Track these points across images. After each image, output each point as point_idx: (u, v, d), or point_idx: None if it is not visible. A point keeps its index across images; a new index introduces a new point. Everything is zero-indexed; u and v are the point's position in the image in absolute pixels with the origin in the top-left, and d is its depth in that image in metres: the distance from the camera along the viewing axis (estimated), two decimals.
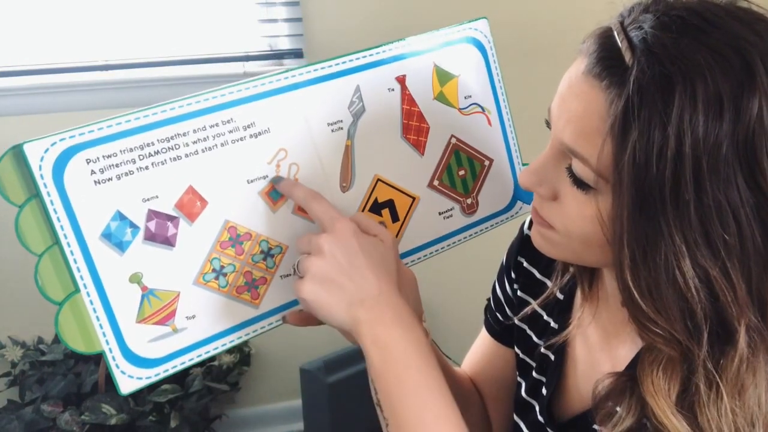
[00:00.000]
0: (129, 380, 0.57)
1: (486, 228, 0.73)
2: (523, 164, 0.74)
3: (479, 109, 0.70)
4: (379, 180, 0.65)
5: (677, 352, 0.51)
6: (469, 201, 0.71)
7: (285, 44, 1.73)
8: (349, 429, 1.55)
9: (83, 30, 1.61)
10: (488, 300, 0.81)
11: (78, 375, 1.61)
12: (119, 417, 1.52)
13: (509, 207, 0.73)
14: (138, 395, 1.60)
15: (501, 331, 0.78)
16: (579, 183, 0.53)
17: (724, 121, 0.45)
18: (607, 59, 0.49)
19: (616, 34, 0.50)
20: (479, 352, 0.81)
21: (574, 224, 0.54)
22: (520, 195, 0.74)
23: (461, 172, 0.70)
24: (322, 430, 1.68)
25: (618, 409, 0.54)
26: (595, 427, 0.57)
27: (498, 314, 0.78)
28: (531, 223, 0.73)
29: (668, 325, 0.49)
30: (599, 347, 0.65)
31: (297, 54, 1.72)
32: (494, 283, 0.80)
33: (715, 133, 0.45)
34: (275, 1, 1.70)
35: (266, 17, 1.71)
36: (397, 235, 0.67)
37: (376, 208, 0.66)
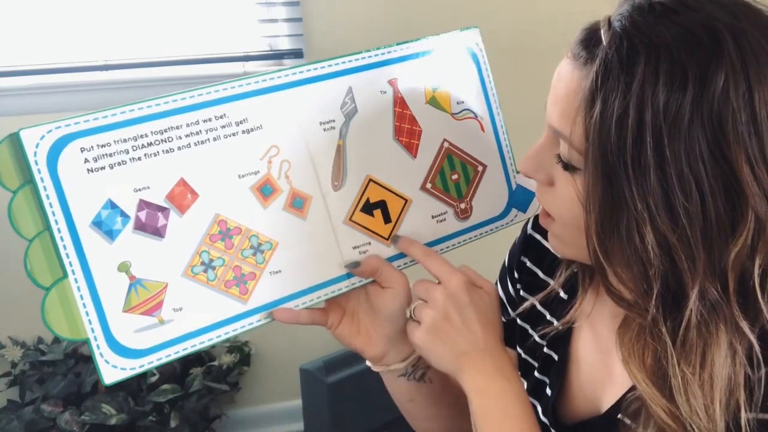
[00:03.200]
0: (113, 370, 0.56)
1: (480, 234, 0.72)
2: (517, 171, 0.74)
3: (472, 115, 0.71)
4: (371, 180, 0.66)
5: (642, 319, 0.52)
6: (462, 206, 0.71)
7: (285, 44, 1.75)
8: (349, 429, 1.51)
9: (83, 30, 1.63)
10: None
11: (78, 375, 1.61)
12: (119, 417, 1.51)
13: (504, 214, 0.73)
14: (138, 395, 1.59)
15: (503, 331, 0.76)
16: (565, 164, 0.54)
17: (687, 92, 0.46)
18: (586, 41, 0.52)
19: (601, 22, 0.53)
20: None
21: (565, 207, 0.56)
22: (515, 202, 0.74)
23: (454, 176, 0.70)
24: (322, 430, 1.65)
25: (641, 430, 0.55)
26: None
27: (502, 315, 0.77)
28: (533, 223, 0.75)
29: (629, 290, 0.51)
30: (606, 348, 0.64)
31: (297, 54, 1.73)
32: (495, 283, 0.80)
33: (677, 104, 0.46)
34: (275, 1, 1.71)
35: (266, 17, 1.73)
36: (388, 237, 0.67)
37: (368, 208, 0.66)
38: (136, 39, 1.67)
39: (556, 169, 0.56)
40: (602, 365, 0.65)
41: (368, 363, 0.69)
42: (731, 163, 0.47)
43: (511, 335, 0.76)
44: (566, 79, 0.53)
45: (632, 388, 0.57)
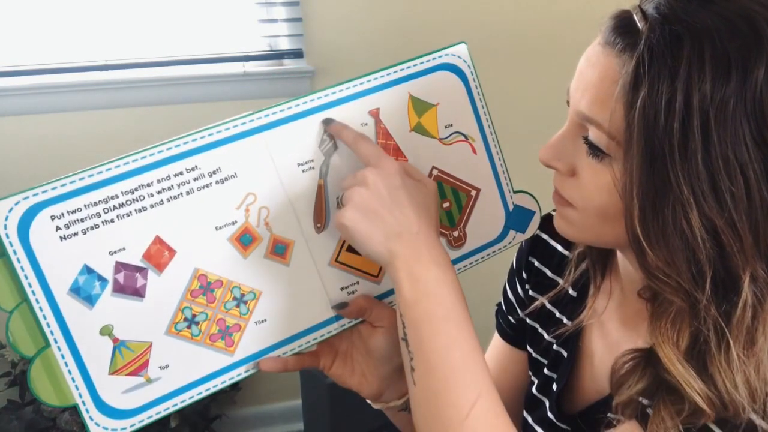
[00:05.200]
0: None
1: (477, 260, 0.70)
2: (515, 191, 0.70)
3: (462, 138, 0.67)
4: None
5: (685, 303, 0.52)
6: (455, 234, 0.68)
7: (285, 44, 1.73)
8: (349, 429, 1.53)
9: (83, 30, 1.62)
10: (498, 304, 0.80)
11: None
12: None
13: (501, 237, 0.70)
14: None
15: (514, 333, 0.78)
16: (594, 151, 0.54)
17: (731, 80, 0.47)
18: (621, 27, 0.52)
19: (631, 9, 0.53)
20: (492, 363, 0.80)
21: (591, 195, 0.55)
22: (513, 224, 0.70)
23: (445, 205, 0.67)
24: (322, 430, 1.67)
25: (630, 378, 0.56)
26: (610, 415, 0.58)
27: (510, 317, 0.78)
28: (542, 221, 0.73)
29: (675, 274, 0.51)
30: (618, 341, 0.65)
31: (297, 54, 1.72)
32: (504, 285, 0.80)
33: (723, 91, 0.47)
34: (275, 1, 1.70)
35: (266, 17, 1.71)
36: (377, 274, 0.65)
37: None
38: (136, 39, 1.66)
39: (579, 157, 0.56)
40: (610, 356, 0.64)
41: (367, 400, 0.68)
42: None
43: (522, 335, 0.77)
44: (599, 65, 0.53)
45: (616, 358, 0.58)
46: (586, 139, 0.55)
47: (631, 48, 0.50)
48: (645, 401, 0.56)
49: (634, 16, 0.52)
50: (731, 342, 0.51)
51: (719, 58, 0.47)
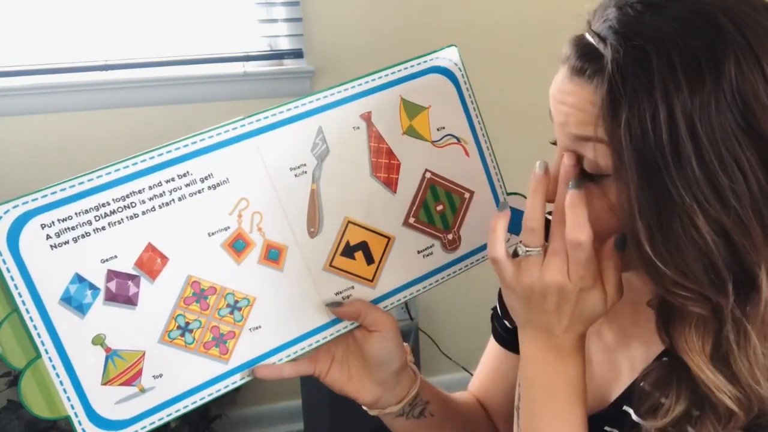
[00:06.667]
0: None
1: (472, 263, 0.69)
2: (508, 193, 0.70)
3: (454, 140, 0.66)
4: (349, 222, 0.63)
5: (707, 310, 0.51)
6: (450, 236, 0.67)
7: (285, 44, 1.73)
8: (349, 429, 1.52)
9: (83, 30, 1.62)
10: (494, 308, 0.79)
11: None
12: None
13: None
14: None
15: (509, 338, 0.77)
16: (588, 176, 0.54)
17: (705, 77, 0.47)
18: (585, 54, 0.52)
19: (586, 33, 0.52)
20: (489, 367, 0.80)
21: (598, 222, 0.54)
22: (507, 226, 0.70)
23: (439, 207, 0.66)
24: (322, 430, 1.66)
25: (664, 400, 0.54)
26: (606, 428, 0.59)
27: (505, 321, 0.77)
28: None
29: (695, 285, 0.50)
30: (616, 348, 0.64)
31: (297, 54, 1.71)
32: (499, 289, 0.77)
33: (701, 93, 0.47)
34: (275, 1, 1.70)
35: (266, 17, 1.71)
36: (372, 279, 0.65)
37: (348, 251, 0.63)
38: (136, 39, 1.65)
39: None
40: (609, 363, 0.65)
41: (364, 407, 0.68)
42: (762, 134, 0.48)
43: (516, 340, 0.74)
44: (573, 94, 0.52)
45: (636, 380, 0.58)
46: (581, 169, 0.54)
47: (601, 72, 0.50)
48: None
49: (591, 41, 0.51)
50: (753, 339, 0.50)
51: (688, 61, 0.47)
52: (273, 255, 0.61)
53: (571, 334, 0.57)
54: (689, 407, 0.53)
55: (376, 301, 0.65)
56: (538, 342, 0.58)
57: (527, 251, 0.57)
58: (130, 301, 0.56)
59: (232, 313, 0.60)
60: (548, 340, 0.57)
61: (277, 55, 1.73)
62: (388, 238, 0.65)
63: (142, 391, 0.57)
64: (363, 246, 0.64)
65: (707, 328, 0.52)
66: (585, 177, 0.54)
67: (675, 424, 0.53)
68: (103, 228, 0.55)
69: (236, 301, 0.60)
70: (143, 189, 0.56)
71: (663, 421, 0.54)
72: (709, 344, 0.52)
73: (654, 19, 0.49)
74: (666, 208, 0.49)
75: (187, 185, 0.57)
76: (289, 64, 1.74)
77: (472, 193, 0.68)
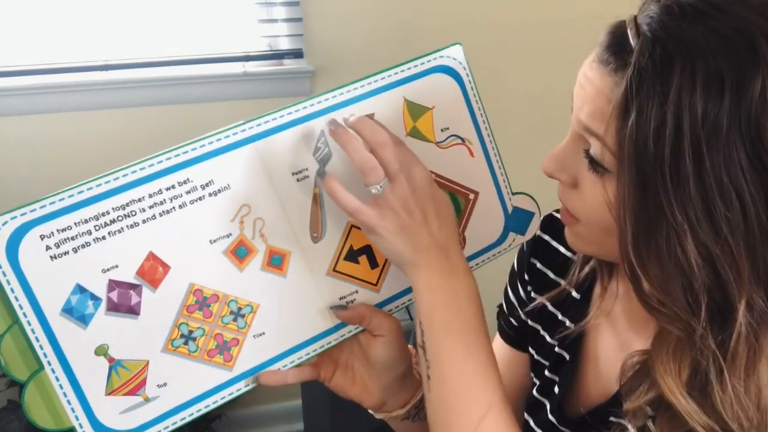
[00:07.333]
0: None
1: (478, 264, 0.68)
2: (514, 193, 0.69)
3: (459, 141, 0.66)
4: (353, 226, 0.62)
5: (683, 333, 0.50)
6: None
7: (285, 44, 1.72)
8: (349, 429, 1.52)
9: (83, 30, 1.61)
10: (499, 306, 0.79)
11: None
12: None
13: (501, 240, 0.69)
14: None
15: (515, 335, 0.77)
16: (595, 166, 0.53)
17: (724, 99, 0.45)
18: (614, 46, 0.50)
19: (627, 23, 0.51)
20: None
21: (593, 210, 0.54)
22: (512, 226, 0.69)
23: None
24: (322, 430, 1.66)
25: (642, 385, 0.55)
26: (613, 419, 0.57)
27: (511, 319, 0.77)
28: (542, 223, 0.72)
29: (671, 303, 0.49)
30: (622, 344, 0.64)
31: (297, 54, 1.70)
32: (505, 287, 0.79)
33: (715, 112, 0.45)
34: (275, 1, 1.68)
35: (266, 17, 1.70)
36: (377, 283, 0.64)
37: (352, 255, 0.63)
38: (136, 39, 1.64)
39: (581, 170, 0.55)
40: (620, 360, 0.62)
41: (370, 411, 0.67)
42: None
43: (523, 337, 0.76)
44: (595, 82, 0.52)
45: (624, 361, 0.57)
46: (587, 153, 0.54)
47: (623, 69, 0.49)
48: (650, 411, 0.54)
49: (629, 32, 0.50)
50: (727, 373, 0.49)
51: (712, 76, 0.45)
52: (276, 261, 0.60)
53: (446, 231, 0.57)
54: (655, 400, 0.53)
55: (381, 305, 0.64)
56: (433, 267, 0.57)
57: (378, 188, 0.56)
58: (133, 311, 0.56)
59: (235, 320, 0.59)
60: (441, 258, 0.57)
61: (277, 55, 1.72)
62: None
63: (147, 400, 0.57)
64: (367, 250, 0.63)
65: (684, 353, 0.51)
66: (591, 163, 0.53)
67: (638, 411, 0.54)
68: (104, 237, 0.55)
69: (239, 308, 0.59)
70: (143, 197, 0.55)
71: (631, 404, 0.54)
72: (686, 370, 0.51)
73: (694, 26, 0.47)
74: (656, 221, 0.48)
75: (188, 192, 0.57)
76: (289, 64, 1.73)
77: (476, 193, 0.67)
